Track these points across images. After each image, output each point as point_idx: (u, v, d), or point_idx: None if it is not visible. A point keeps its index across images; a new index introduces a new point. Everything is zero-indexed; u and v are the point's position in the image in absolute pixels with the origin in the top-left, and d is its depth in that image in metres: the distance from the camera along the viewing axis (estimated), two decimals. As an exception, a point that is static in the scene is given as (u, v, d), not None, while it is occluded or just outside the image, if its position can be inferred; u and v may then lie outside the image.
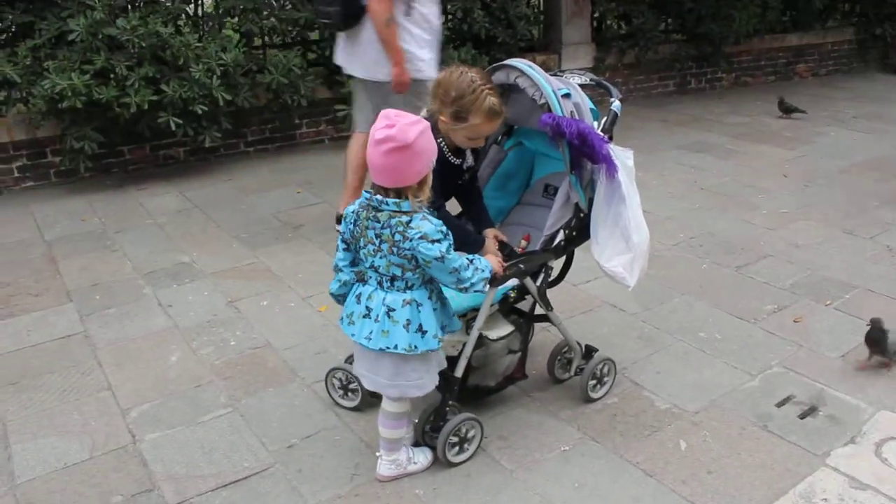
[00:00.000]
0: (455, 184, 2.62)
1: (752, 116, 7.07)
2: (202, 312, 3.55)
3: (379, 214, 2.09)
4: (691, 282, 3.76)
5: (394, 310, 2.16)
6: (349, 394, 2.77)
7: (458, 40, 6.36)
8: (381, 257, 2.14)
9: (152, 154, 5.87)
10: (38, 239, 4.51)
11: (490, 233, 2.65)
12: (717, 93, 8.24)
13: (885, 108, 7.47)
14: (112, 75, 5.00)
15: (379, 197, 2.08)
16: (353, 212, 2.18)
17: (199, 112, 5.19)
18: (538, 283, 2.56)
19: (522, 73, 2.43)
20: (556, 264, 2.69)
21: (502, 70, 2.52)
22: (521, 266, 2.44)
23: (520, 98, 2.56)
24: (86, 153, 5.17)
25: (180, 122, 5.20)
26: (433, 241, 2.08)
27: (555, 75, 2.63)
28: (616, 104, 2.54)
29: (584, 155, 2.38)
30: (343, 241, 2.26)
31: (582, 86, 2.58)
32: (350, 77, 4.34)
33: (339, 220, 4.90)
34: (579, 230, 2.56)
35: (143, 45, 4.97)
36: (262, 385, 2.95)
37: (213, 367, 3.08)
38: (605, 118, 2.52)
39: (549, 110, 2.36)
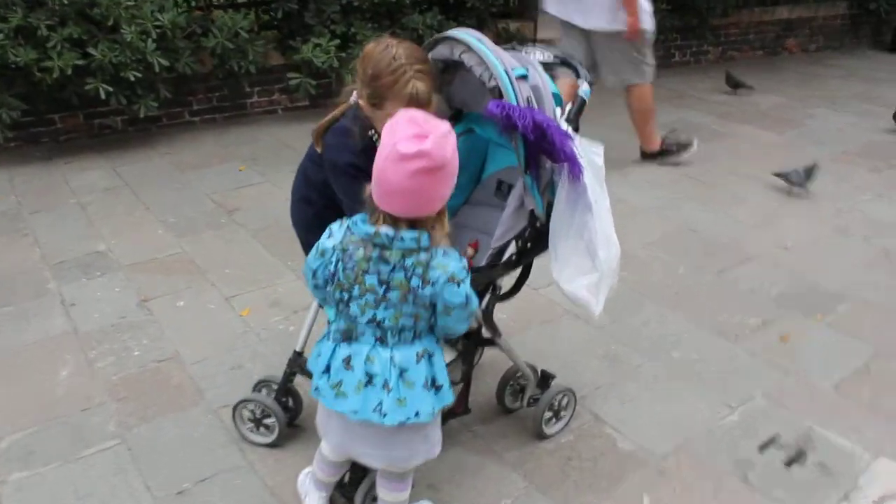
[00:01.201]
0: None
1: (738, 95, 6.63)
2: (108, 314, 3.09)
3: (388, 254, 1.62)
4: (666, 288, 3.35)
5: (407, 370, 1.71)
6: (262, 428, 2.34)
7: (423, 3, 5.83)
8: (387, 308, 1.67)
9: (86, 123, 5.33)
10: (-59, 219, 4.00)
11: None
12: (702, 67, 7.78)
13: (878, 88, 7.06)
14: (32, 35, 4.45)
15: (387, 231, 1.60)
16: (335, 247, 1.69)
17: (133, 79, 4.66)
18: (483, 304, 2.13)
19: (468, 47, 1.96)
20: (509, 275, 2.26)
21: (445, 43, 2.06)
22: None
23: (468, 77, 2.09)
24: (4, 122, 4.62)
25: (111, 89, 4.67)
26: (460, 282, 1.66)
27: (511, 49, 2.17)
28: (584, 89, 2.09)
29: (543, 152, 1.93)
30: (313, 279, 1.77)
31: (545, 65, 2.12)
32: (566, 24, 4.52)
33: (648, 155, 4.89)
34: (535, 240, 2.12)
35: (67, 1, 4.41)
36: (161, 409, 2.51)
37: (108, 385, 2.64)
38: (570, 105, 2.07)
39: (501, 95, 1.90)
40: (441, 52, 2.06)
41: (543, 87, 2.00)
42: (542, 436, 2.38)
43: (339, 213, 2.06)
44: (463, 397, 2.27)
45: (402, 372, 1.69)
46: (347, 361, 1.71)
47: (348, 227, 1.68)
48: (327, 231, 1.73)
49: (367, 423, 1.70)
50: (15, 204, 4.22)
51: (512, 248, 2.09)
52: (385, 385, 1.68)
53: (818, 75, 7.63)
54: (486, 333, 2.23)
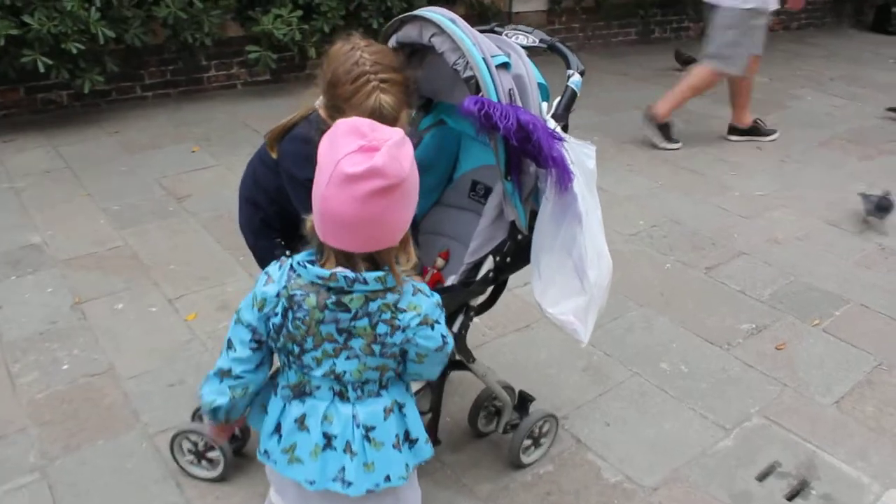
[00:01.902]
0: None
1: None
2: (37, 319, 2.76)
3: (347, 299, 1.31)
4: (652, 288, 3.11)
5: (374, 428, 1.42)
6: (205, 462, 2.05)
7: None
8: (348, 359, 1.37)
9: (27, 97, 4.92)
10: None
11: None
12: (683, 43, 7.51)
13: (863, 69, 6.86)
14: (-41, 1, 4.04)
15: (346, 273, 1.30)
16: (278, 295, 1.35)
17: (75, 51, 4.26)
18: (455, 327, 1.86)
19: (440, 29, 1.67)
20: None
21: (413, 24, 1.76)
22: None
23: (439, 62, 1.80)
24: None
25: (51, 62, 4.28)
26: (435, 323, 1.39)
27: (490, 31, 1.88)
28: (575, 79, 1.80)
29: (527, 155, 1.65)
30: (254, 339, 1.42)
31: (527, 49, 1.83)
32: None
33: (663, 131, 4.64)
34: (516, 255, 1.85)
35: (-2, -37, 4.01)
36: (89, 435, 2.22)
37: (32, 405, 2.33)
38: (558, 99, 1.79)
39: (478, 87, 1.61)
40: (408, 33, 1.76)
41: (528, 78, 1.72)
42: (519, 465, 2.14)
43: (289, 222, 1.77)
44: (431, 429, 2.01)
45: (367, 431, 1.40)
46: (301, 421, 1.41)
47: (292, 267, 1.35)
48: (262, 275, 1.39)
49: (327, 492, 1.41)
50: (-58, 189, 3.84)
51: (489, 264, 1.81)
52: (347, 448, 1.39)
53: (800, 54, 7.41)
54: (457, 356, 1.96)
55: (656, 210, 3.82)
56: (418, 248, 1.97)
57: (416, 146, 2.04)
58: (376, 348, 1.36)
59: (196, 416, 2.11)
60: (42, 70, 4.26)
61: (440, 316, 1.41)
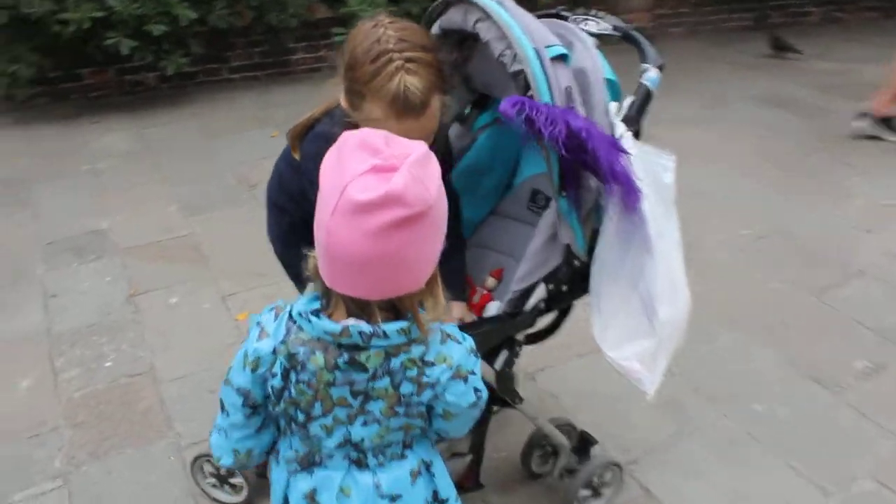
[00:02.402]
0: None
1: (845, 63, 5.71)
2: (90, 310, 2.70)
3: (363, 357, 1.06)
4: (751, 310, 2.73)
5: (400, 496, 1.18)
6: (228, 487, 1.89)
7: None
8: (366, 424, 1.13)
9: (116, 79, 4.96)
10: (-53, 186, 3.70)
11: (456, 309, 1.66)
12: (804, 30, 6.83)
13: None
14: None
15: (362, 328, 1.04)
16: (274, 351, 1.09)
17: (157, 33, 4.23)
18: (498, 364, 1.60)
19: (486, 14, 1.40)
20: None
21: (458, 7, 1.50)
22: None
23: (490, 52, 1.54)
24: (20, 78, 4.28)
25: (135, 44, 4.26)
26: (468, 375, 1.14)
27: (555, 16, 1.60)
28: (651, 75, 1.50)
29: (586, 167, 1.36)
30: (248, 404, 1.17)
31: (598, 37, 1.54)
32: None
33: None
34: (573, 283, 1.57)
35: (84, -54, 4.00)
36: (119, 442, 2.10)
37: (69, 404, 2.24)
38: (630, 99, 1.49)
39: (527, 85, 1.34)
40: (452, 18, 1.51)
41: (593, 73, 1.42)
42: (575, 516, 1.86)
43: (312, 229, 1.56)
44: (473, 470, 1.77)
45: (393, 501, 1.17)
46: (312, 497, 1.18)
47: (291, 319, 1.09)
48: (253, 326, 1.12)
49: None
50: (26, 169, 3.88)
51: (541, 293, 1.54)
52: None
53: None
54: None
55: (763, 218, 3.39)
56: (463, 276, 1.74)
57: (468, 147, 1.82)
58: (400, 410, 1.11)
59: (220, 434, 1.95)
60: (126, 52, 4.25)
61: (475, 365, 1.16)
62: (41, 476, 1.99)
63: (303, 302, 1.09)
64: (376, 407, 1.11)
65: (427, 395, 1.11)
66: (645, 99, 1.48)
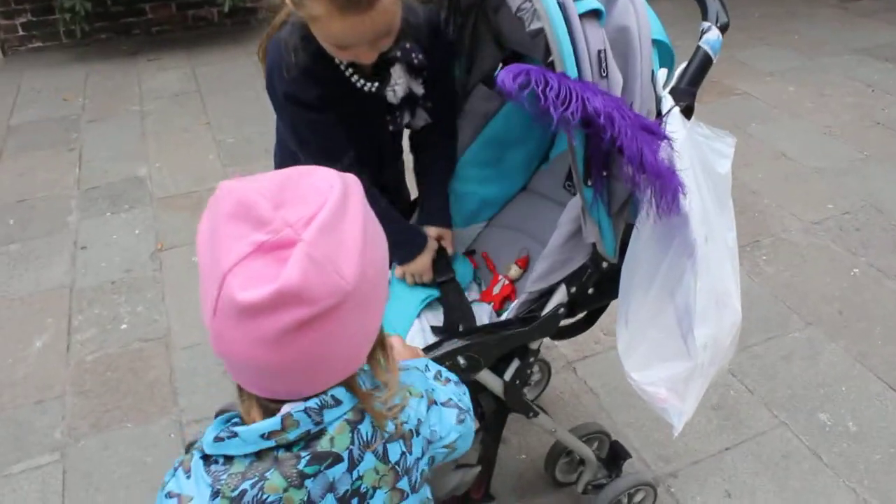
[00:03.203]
0: (380, 132, 1.47)
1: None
2: (115, 265, 2.60)
3: (326, 444, 0.77)
4: (829, 301, 2.40)
5: None
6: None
7: None
8: None
9: (179, 14, 4.85)
10: (1, 124, 3.68)
11: (433, 233, 1.53)
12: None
13: None
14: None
15: (302, 407, 0.75)
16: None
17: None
18: (508, 375, 1.38)
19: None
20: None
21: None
22: (465, 358, 1.25)
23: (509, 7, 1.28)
24: (80, 13, 4.20)
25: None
26: (457, 422, 0.94)
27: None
28: (711, 37, 1.21)
29: (614, 154, 1.10)
30: None
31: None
32: None
33: None
34: (601, 285, 1.32)
35: None
36: (121, 414, 2.00)
37: (77, 369, 2.16)
38: (683, 66, 1.21)
39: (546, 47, 1.09)
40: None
41: (637, 32, 1.15)
42: (599, 537, 1.66)
43: None
44: (482, 482, 1.58)
45: None
46: None
47: (209, 460, 0.76)
48: (172, 480, 0.77)
49: None
50: (78, 108, 3.82)
51: (561, 296, 1.30)
52: None
53: None
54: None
55: (853, 191, 3.00)
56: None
57: (495, 113, 1.57)
58: (404, 484, 0.85)
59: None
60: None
61: (432, 376, 0.96)
62: (39, 448, 1.91)
63: (210, 432, 0.77)
64: (379, 501, 0.83)
65: (418, 445, 0.86)
66: (701, 66, 1.19)
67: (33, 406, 2.03)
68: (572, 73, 1.07)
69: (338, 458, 0.77)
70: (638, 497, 1.67)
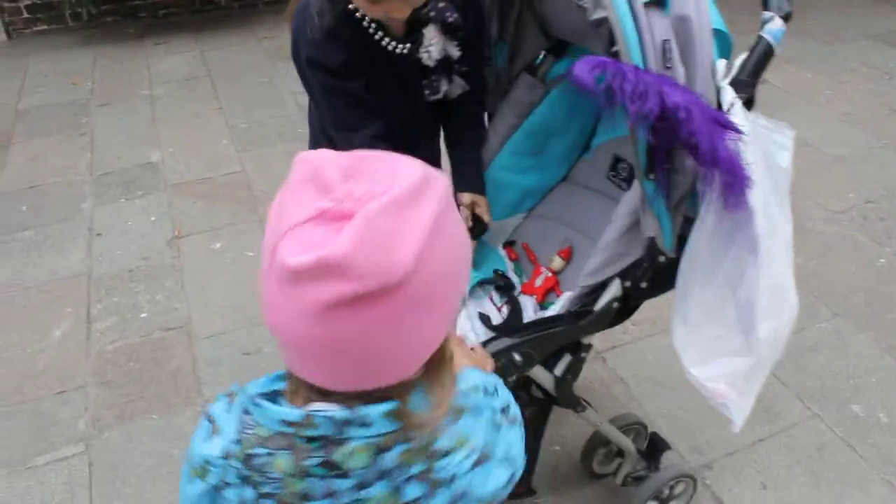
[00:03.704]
0: (416, 102, 1.42)
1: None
2: (132, 252, 2.56)
3: (341, 456, 0.71)
4: (855, 292, 2.38)
5: None
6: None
7: None
8: None
9: (185, -3, 4.77)
10: (9, 108, 3.61)
11: (467, 199, 1.48)
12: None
13: None
14: None
15: (329, 412, 0.70)
16: (227, 457, 0.74)
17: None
18: (560, 371, 1.35)
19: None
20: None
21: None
22: (520, 354, 1.22)
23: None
24: (85, -5, 4.14)
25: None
26: (503, 486, 0.81)
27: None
28: (773, 28, 1.17)
29: (683, 144, 1.07)
30: None
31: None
32: None
33: None
34: (656, 279, 1.29)
35: None
36: (146, 405, 1.98)
37: (99, 358, 2.13)
38: (743, 57, 1.18)
39: (611, 38, 1.05)
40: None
41: (697, 22, 1.11)
42: (636, 530, 1.64)
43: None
44: (524, 477, 1.55)
45: None
46: None
47: (244, 409, 0.74)
48: (203, 420, 0.78)
49: None
50: (87, 93, 3.75)
51: (615, 290, 1.27)
52: None
53: None
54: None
55: (875, 179, 2.98)
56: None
57: (538, 102, 1.53)
58: None
59: (248, 410, 1.78)
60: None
61: (499, 408, 0.83)
62: (63, 439, 1.88)
63: (261, 382, 0.76)
64: None
65: (443, 498, 0.75)
66: (763, 57, 1.15)
67: (55, 397, 2.00)
68: (638, 64, 1.04)
69: (346, 474, 0.71)
70: (678, 489, 1.65)
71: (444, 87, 1.41)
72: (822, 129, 3.31)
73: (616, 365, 2.09)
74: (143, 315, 2.27)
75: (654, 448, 1.66)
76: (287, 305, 0.65)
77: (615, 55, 1.05)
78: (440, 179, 0.70)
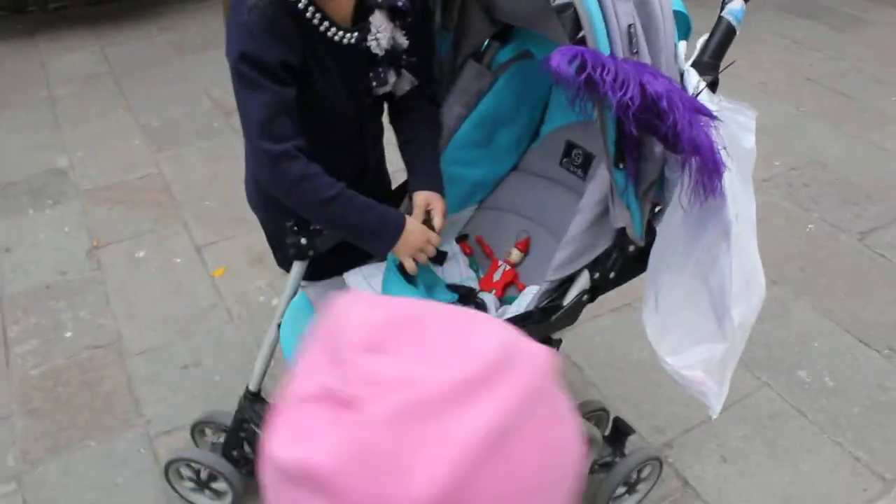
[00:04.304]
0: (361, 99, 1.34)
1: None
2: (47, 267, 2.38)
3: None
4: (790, 259, 2.45)
5: None
6: (209, 492, 1.63)
7: None
8: None
9: (77, -12, 4.47)
10: None
11: (421, 199, 1.37)
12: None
13: None
14: None
15: None
16: None
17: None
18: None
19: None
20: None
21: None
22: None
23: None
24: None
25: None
26: None
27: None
28: (734, 7, 1.16)
29: (652, 132, 1.03)
30: None
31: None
32: None
33: None
34: (624, 268, 1.27)
35: None
36: (80, 432, 1.84)
37: (23, 385, 1.96)
38: (705, 38, 1.16)
39: (575, 24, 1.00)
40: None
41: (659, 4, 1.08)
42: (605, 516, 1.63)
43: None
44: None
45: None
46: None
47: None
48: None
49: None
50: (-24, 95, 3.47)
51: (583, 282, 1.24)
52: None
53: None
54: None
55: (796, 147, 3.07)
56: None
57: (487, 90, 1.47)
58: None
59: (196, 430, 1.68)
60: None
61: None
62: (-9, 477, 1.73)
63: None
64: None
65: None
66: (725, 38, 1.15)
67: (-23, 432, 1.84)
68: (604, 50, 0.99)
69: None
70: (645, 472, 1.65)
71: (391, 78, 1.32)
72: (741, 99, 3.37)
73: (568, 349, 2.08)
74: (67, 334, 2.12)
75: (619, 433, 1.65)
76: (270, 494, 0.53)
77: (580, 42, 1.00)
78: (534, 359, 0.55)
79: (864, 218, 2.65)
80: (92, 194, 2.73)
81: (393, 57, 1.29)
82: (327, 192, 1.19)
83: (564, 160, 1.49)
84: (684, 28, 1.16)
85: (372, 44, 1.24)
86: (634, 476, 1.63)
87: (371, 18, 1.23)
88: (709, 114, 0.98)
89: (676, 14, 1.12)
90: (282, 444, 0.48)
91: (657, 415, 1.90)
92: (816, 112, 3.34)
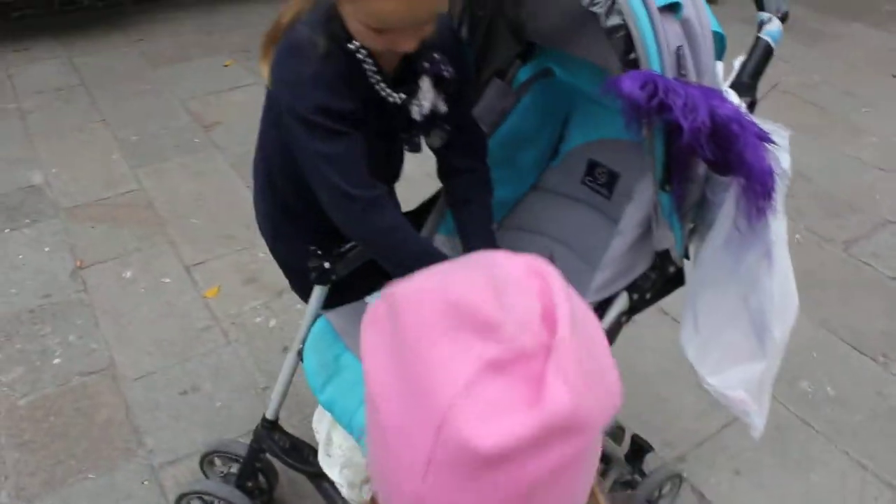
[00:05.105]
0: (394, 153, 1.33)
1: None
2: (29, 290, 2.29)
3: None
4: (782, 270, 2.48)
5: None
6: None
7: None
8: None
9: (44, -2, 4.34)
10: None
11: None
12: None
13: None
14: None
15: None
16: None
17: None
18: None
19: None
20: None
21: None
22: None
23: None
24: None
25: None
26: None
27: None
28: (772, 29, 1.17)
29: (698, 153, 1.02)
30: None
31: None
32: None
33: None
34: (661, 291, 1.26)
35: None
36: (78, 465, 1.76)
37: (11, 416, 1.88)
38: (741, 59, 1.16)
39: (627, 45, 0.99)
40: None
41: (700, 25, 1.07)
42: (626, 535, 1.62)
43: (313, 212, 1.19)
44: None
45: None
46: None
47: None
48: None
49: None
50: (-61, 109, 3.33)
51: (622, 304, 1.23)
52: None
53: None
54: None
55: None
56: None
57: (510, 110, 1.46)
58: None
59: (205, 461, 1.62)
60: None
61: None
62: (-15, 514, 1.64)
63: None
64: None
65: None
66: (763, 59, 1.15)
67: (-34, 466, 1.75)
68: (657, 72, 0.98)
69: None
70: (665, 488, 1.64)
71: (422, 142, 1.29)
72: (719, 112, 3.43)
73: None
74: (55, 361, 2.03)
75: (639, 450, 1.64)
76: (469, 499, 0.49)
77: (632, 63, 0.99)
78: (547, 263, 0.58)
79: (846, 228, 2.70)
80: (72, 212, 2.64)
81: (429, 122, 1.25)
82: (415, 246, 1.18)
83: (587, 178, 1.48)
84: (719, 48, 1.16)
85: (414, 109, 1.20)
86: (656, 494, 1.62)
87: (420, 83, 1.19)
88: (768, 138, 0.98)
89: (715, 35, 1.12)
90: (489, 426, 0.45)
91: (667, 429, 1.90)
92: (792, 124, 3.38)
